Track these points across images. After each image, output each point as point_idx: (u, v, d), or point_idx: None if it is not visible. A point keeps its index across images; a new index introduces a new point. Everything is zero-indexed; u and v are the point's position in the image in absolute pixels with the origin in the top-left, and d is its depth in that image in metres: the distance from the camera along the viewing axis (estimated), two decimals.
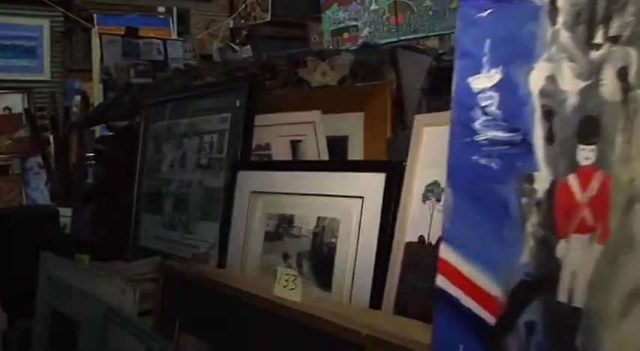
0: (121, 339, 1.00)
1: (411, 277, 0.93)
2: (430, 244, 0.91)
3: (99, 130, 3.92)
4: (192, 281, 0.88)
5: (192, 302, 0.89)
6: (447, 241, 0.49)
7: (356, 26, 5.87)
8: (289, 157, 1.35)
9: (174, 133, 1.56)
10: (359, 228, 1.00)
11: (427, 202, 0.94)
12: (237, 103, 1.34)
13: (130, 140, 1.77)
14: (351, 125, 1.45)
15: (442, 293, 0.49)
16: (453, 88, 0.54)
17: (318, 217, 1.07)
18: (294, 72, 1.80)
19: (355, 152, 1.41)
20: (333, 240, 1.04)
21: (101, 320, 1.15)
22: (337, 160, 1.29)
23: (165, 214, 1.55)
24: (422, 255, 0.92)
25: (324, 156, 1.31)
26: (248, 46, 4.62)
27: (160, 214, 1.57)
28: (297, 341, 0.68)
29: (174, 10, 4.86)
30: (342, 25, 5.96)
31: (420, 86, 1.61)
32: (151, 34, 4.17)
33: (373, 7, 5.77)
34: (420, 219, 0.94)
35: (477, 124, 0.50)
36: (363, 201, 1.01)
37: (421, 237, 0.93)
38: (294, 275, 0.75)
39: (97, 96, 4.03)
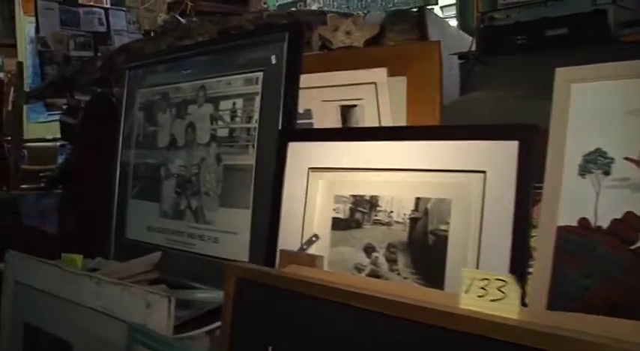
0: None
1: (572, 270, 0.71)
2: (600, 228, 0.70)
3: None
4: (290, 289, 0.62)
5: (298, 319, 0.63)
6: None
7: (304, 0, 5.60)
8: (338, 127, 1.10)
9: (174, 100, 1.27)
10: (482, 210, 0.77)
11: (587, 175, 0.72)
12: (273, 59, 1.07)
13: (108, 111, 1.46)
14: (390, 92, 1.22)
15: None
16: None
17: (417, 199, 0.83)
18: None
19: (396, 123, 1.17)
20: (442, 227, 0.80)
21: (117, 342, 0.87)
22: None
23: (165, 200, 1.26)
24: (587, 242, 0.70)
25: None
26: (195, 19, 4.26)
27: (157, 199, 1.28)
28: None
29: None
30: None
31: (469, 49, 1.41)
32: None
33: None
34: (579, 197, 0.72)
35: None
36: (485, 176, 0.78)
37: (583, 220, 0.71)
38: (503, 280, 0.51)
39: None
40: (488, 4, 1.45)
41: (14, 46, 3.98)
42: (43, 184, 1.70)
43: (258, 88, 1.09)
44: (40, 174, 2.73)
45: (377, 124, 1.08)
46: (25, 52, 3.99)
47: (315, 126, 1.10)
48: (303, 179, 0.95)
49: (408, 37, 1.49)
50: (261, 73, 1.09)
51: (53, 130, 3.78)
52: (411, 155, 0.85)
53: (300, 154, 0.96)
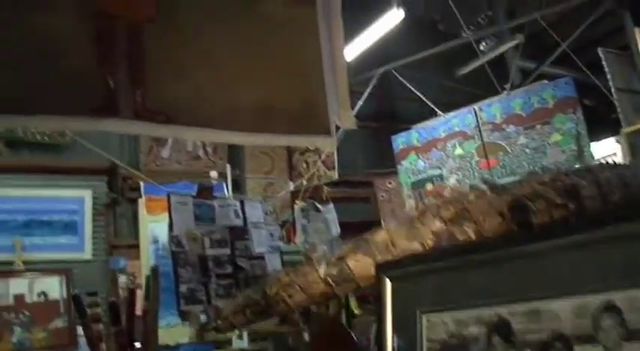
0: None
1: None
2: None
3: None
4: None
5: None
6: None
7: (440, 175, 5.15)
8: None
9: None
10: None
11: None
12: None
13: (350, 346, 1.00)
14: None
15: None
16: None
17: None
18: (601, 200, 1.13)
19: None
20: None
21: None
22: None
23: None
24: None
25: None
26: (331, 205, 3.93)
27: None
28: None
29: (229, 174, 4.23)
30: (422, 175, 5.24)
31: None
32: None
33: (458, 151, 5.05)
34: None
35: None
36: None
37: None
38: None
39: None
40: None
41: (137, 246, 3.75)
42: None
43: None
44: None
45: None
46: (148, 253, 3.73)
47: None
48: None
49: None
50: None
51: (175, 336, 3.39)
52: None
53: None
